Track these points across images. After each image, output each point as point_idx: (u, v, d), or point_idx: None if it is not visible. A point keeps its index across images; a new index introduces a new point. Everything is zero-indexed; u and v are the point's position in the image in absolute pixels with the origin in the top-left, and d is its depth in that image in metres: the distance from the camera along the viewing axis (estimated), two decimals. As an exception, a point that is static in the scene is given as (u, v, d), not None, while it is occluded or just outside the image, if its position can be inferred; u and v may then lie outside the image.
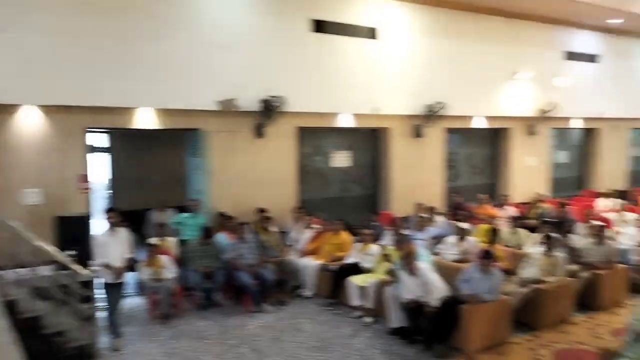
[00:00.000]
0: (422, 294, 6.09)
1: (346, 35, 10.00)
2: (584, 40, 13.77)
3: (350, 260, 7.77)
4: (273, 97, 8.89)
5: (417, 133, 11.04)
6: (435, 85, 11.01)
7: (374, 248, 7.74)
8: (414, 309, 6.08)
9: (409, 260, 6.27)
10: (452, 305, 5.95)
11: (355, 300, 7.12)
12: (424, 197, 10.96)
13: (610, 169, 15.05)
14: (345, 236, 8.35)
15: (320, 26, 9.72)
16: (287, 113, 9.17)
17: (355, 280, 7.18)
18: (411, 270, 6.20)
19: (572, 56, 13.52)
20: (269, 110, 8.96)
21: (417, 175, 11.23)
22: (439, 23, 11.13)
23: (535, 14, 12.21)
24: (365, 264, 7.53)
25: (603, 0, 11.39)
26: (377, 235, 8.98)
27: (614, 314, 7.09)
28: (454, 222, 9.46)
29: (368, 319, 6.90)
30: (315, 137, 10.61)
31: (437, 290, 5.97)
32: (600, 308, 7.21)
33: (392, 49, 10.57)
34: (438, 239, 8.68)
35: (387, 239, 8.43)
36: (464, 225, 8.37)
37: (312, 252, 8.35)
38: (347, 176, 11.07)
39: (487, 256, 6.16)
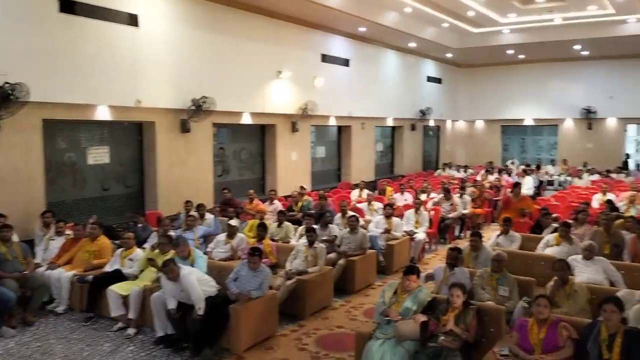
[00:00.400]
0: (185, 299, 5.83)
1: (103, 20, 9.06)
2: (338, 45, 15.05)
3: (110, 268, 7.09)
4: (9, 84, 7.56)
5: (184, 128, 10.67)
6: (202, 80, 10.78)
7: (138, 252, 7.19)
8: (179, 315, 5.80)
9: (168, 264, 5.85)
10: (220, 306, 5.83)
11: (116, 312, 6.50)
12: (193, 194, 10.68)
13: (360, 163, 16.80)
14: (104, 241, 7.57)
15: (71, 7, 8.61)
16: (30, 103, 7.90)
17: (116, 289, 6.55)
18: (171, 275, 5.80)
19: (328, 59, 14.64)
20: (4, 99, 7.59)
21: (184, 172, 10.87)
22: (206, 16, 10.92)
23: (295, 16, 12.86)
24: (129, 270, 6.94)
25: (350, 8, 12.50)
26: (143, 237, 8.43)
27: (366, 296, 7.85)
28: (224, 219, 9.42)
29: (131, 331, 6.36)
30: (68, 131, 9.46)
31: (197, 297, 5.72)
32: (354, 291, 7.90)
33: (155, 38, 9.98)
34: (208, 238, 8.52)
35: (153, 241, 7.94)
36: (234, 222, 8.33)
37: (65, 262, 7.38)
38: (108, 174, 10.15)
39: (254, 253, 6.18)
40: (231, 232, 8.08)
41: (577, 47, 17.99)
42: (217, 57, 11.19)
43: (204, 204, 9.59)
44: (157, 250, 6.88)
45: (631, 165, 18.85)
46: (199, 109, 10.49)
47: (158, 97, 10.09)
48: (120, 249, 7.29)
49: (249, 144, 13.28)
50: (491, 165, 19.03)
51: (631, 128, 21.07)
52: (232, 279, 6.15)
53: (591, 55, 19.46)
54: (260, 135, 13.52)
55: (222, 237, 8.13)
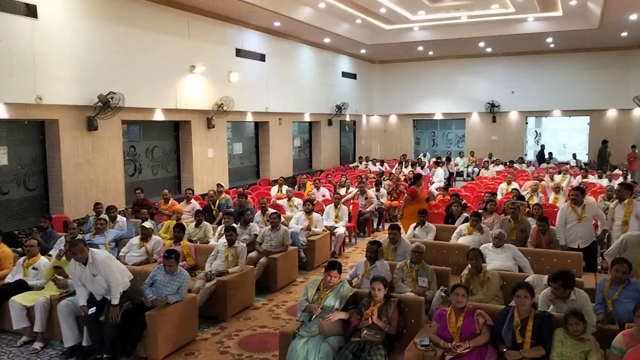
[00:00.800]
0: (98, 290, 5.56)
1: (-4, 9, 8.31)
2: (254, 40, 14.82)
3: (12, 278, 6.53)
4: None
5: (91, 125, 10.05)
6: (109, 74, 10.20)
7: (43, 261, 6.67)
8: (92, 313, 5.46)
9: (76, 243, 5.55)
10: (135, 314, 5.54)
11: (19, 324, 6.00)
12: (102, 196, 10.14)
13: (278, 159, 16.71)
14: (3, 250, 6.98)
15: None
16: None
17: (19, 300, 6.05)
18: (80, 256, 5.45)
19: (243, 54, 14.39)
20: None
21: (92, 172, 10.25)
22: (113, 8, 10.32)
23: (207, 9, 12.49)
24: (34, 282, 6.43)
25: (264, 2, 12.32)
26: (49, 244, 7.85)
27: (289, 293, 7.79)
28: (137, 220, 9.00)
29: (38, 345, 5.91)
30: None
31: (114, 282, 5.50)
32: (277, 289, 7.83)
33: (57, 31, 9.28)
34: (120, 241, 8.09)
35: (60, 248, 7.42)
36: (147, 224, 7.97)
37: (-42, 275, 6.72)
38: (6, 176, 9.34)
39: (170, 256, 5.92)
40: (145, 235, 7.74)
41: (482, 44, 18.95)
42: (125, 51, 10.63)
43: (114, 206, 9.09)
44: (64, 258, 6.41)
45: (547, 155, 20.07)
46: (106, 105, 9.92)
47: (61, 93, 9.41)
48: (23, 258, 6.74)
49: (162, 142, 12.77)
50: (405, 158, 19.64)
51: (531, 120, 22.53)
52: (147, 284, 5.85)
53: (494, 52, 20.58)
54: (174, 132, 13.05)
55: (135, 240, 7.77)
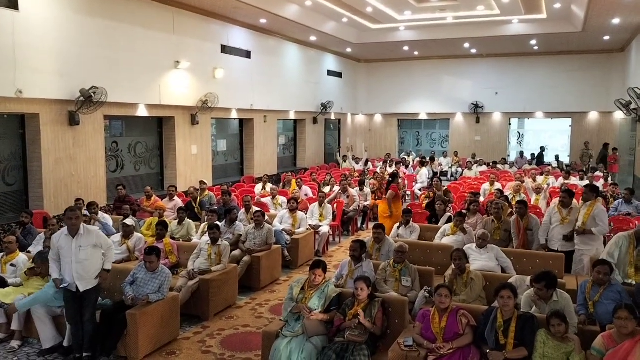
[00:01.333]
0: (84, 269, 5.36)
1: (-27, 0, 8.13)
2: (239, 36, 14.72)
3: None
4: None
5: (73, 120, 9.89)
6: (92, 69, 10.05)
7: (22, 257, 6.55)
8: (77, 318, 5.35)
9: (74, 209, 5.46)
10: (115, 313, 5.46)
11: (-4, 323, 5.90)
12: (84, 192, 10.00)
13: (263, 156, 16.64)
14: (-20, 246, 6.84)
15: None
16: None
17: (-3, 298, 5.93)
18: (75, 222, 5.34)
19: (229, 50, 14.28)
20: None
21: (73, 168, 10.09)
22: (94, 1, 10.14)
23: (192, 5, 12.36)
24: (12, 280, 6.30)
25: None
26: (28, 240, 7.71)
27: (272, 292, 7.75)
28: (119, 217, 8.88)
29: (16, 343, 5.80)
30: None
31: (107, 246, 5.55)
32: (260, 288, 7.78)
33: (39, 23, 9.10)
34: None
35: (39, 244, 7.30)
36: (129, 221, 7.86)
37: None
38: (-17, 171, 9.17)
39: (151, 252, 5.83)
40: (127, 232, 7.64)
41: (467, 45, 19.06)
42: (108, 45, 10.47)
43: (95, 202, 8.96)
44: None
45: (550, 158, 20.17)
46: (88, 100, 9.76)
47: (42, 87, 9.24)
48: (1, 254, 6.60)
49: (145, 137, 12.62)
50: (389, 157, 19.68)
51: (514, 121, 22.74)
52: (127, 282, 5.76)
53: (479, 53, 20.72)
54: (158, 128, 12.90)
55: (116, 237, 7.65)
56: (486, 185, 12.55)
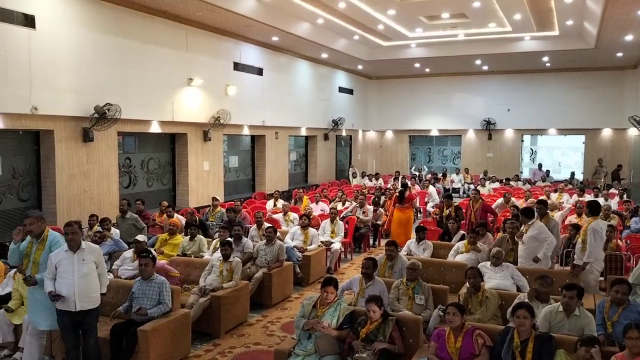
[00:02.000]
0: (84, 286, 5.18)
1: (-7, 19, 8.27)
2: (251, 54, 14.84)
3: (2, 290, 6.43)
4: None
5: (86, 137, 9.98)
6: (106, 86, 10.16)
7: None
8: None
9: (71, 224, 5.22)
10: (126, 329, 5.43)
11: (4, 339, 5.91)
12: (97, 208, 10.03)
13: (274, 173, 16.66)
14: (-6, 261, 6.86)
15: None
16: None
17: (9, 316, 5.93)
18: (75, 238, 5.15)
19: (241, 67, 14.40)
20: None
21: (87, 184, 10.16)
22: (110, 20, 10.29)
23: (205, 23, 12.50)
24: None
25: (262, 17, 12.35)
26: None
27: (284, 309, 7.69)
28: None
29: (18, 355, 5.78)
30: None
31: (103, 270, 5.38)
32: (271, 305, 7.72)
33: (55, 41, 9.24)
34: (114, 255, 7.98)
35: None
36: (140, 237, 7.84)
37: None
38: (-1, 187, 9.24)
39: (146, 255, 5.74)
40: (138, 249, 7.55)
41: (478, 62, 19.06)
42: (122, 63, 10.60)
43: (108, 218, 8.98)
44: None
45: (564, 175, 20.15)
46: (102, 116, 9.86)
47: (57, 103, 9.35)
48: (14, 270, 6.60)
49: (157, 154, 12.69)
50: (399, 174, 19.63)
51: (526, 138, 22.61)
52: (130, 297, 5.74)
53: (490, 69, 20.70)
54: (170, 144, 12.98)
55: (129, 253, 7.62)
56: (500, 200, 12.42)
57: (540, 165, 20.50)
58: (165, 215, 10.05)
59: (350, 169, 21.13)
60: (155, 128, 11.77)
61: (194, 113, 12.65)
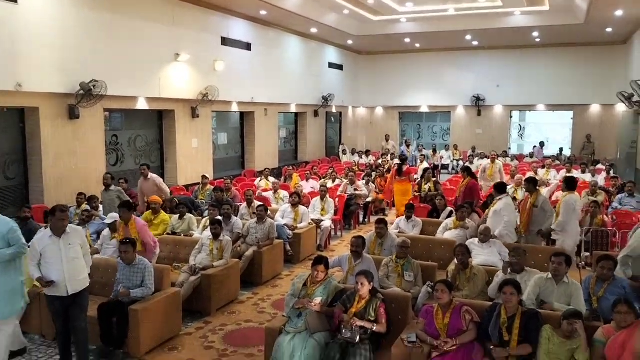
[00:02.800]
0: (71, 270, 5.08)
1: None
2: (239, 28, 14.62)
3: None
4: None
5: (72, 114, 9.84)
6: (91, 62, 9.98)
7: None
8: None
9: (64, 209, 5.11)
10: (117, 308, 5.43)
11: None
12: (84, 186, 9.94)
13: (264, 150, 16.58)
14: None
15: None
16: None
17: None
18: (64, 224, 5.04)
19: (229, 42, 14.19)
20: None
21: (73, 161, 10.05)
22: (93, -7, 10.08)
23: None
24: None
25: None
26: (28, 236, 7.65)
27: (275, 287, 7.73)
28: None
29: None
30: None
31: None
32: (262, 283, 7.76)
33: (38, 16, 9.02)
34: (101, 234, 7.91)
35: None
36: (116, 215, 7.55)
37: None
38: (-17, 165, 9.12)
39: (125, 242, 5.66)
40: (113, 227, 7.26)
41: (468, 37, 18.94)
42: (108, 38, 10.40)
43: (96, 196, 8.94)
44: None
45: (552, 152, 20.08)
46: (88, 93, 9.71)
47: (42, 80, 9.19)
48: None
49: (145, 131, 12.56)
50: (388, 137, 19.83)
51: (515, 114, 22.64)
52: (116, 283, 5.73)
53: (480, 45, 20.59)
54: (158, 121, 12.85)
55: (107, 231, 7.35)
56: (487, 164, 12.66)
57: (542, 144, 20.35)
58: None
59: (341, 146, 21.12)
60: (142, 105, 11.63)
61: (182, 89, 12.50)
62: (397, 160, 15.91)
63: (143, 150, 12.50)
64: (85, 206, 8.61)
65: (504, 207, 7.25)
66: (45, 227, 7.10)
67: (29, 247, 5.03)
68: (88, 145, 10.34)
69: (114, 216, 7.28)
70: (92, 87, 9.67)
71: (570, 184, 7.40)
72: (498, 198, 7.41)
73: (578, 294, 4.87)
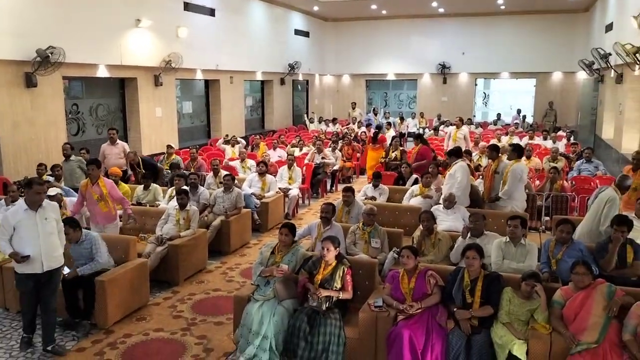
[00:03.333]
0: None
1: None
2: (202, -7, 14.22)
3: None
4: None
5: (29, 82, 9.47)
6: (48, 28, 9.58)
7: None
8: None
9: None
10: (79, 280, 5.37)
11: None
12: (44, 156, 9.67)
13: (230, 118, 16.37)
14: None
15: None
16: None
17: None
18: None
19: (192, 8, 13.79)
20: None
21: (32, 131, 9.72)
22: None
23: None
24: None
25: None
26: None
27: (243, 255, 7.76)
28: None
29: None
30: None
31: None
32: (230, 252, 7.77)
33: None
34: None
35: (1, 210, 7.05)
36: (53, 190, 7.38)
37: None
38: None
39: (64, 223, 5.33)
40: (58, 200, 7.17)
41: (434, 4, 18.90)
42: (65, 3, 9.96)
43: (59, 165, 8.71)
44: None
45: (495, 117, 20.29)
46: (45, 60, 9.34)
47: (-6, 46, 8.79)
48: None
49: (106, 99, 12.21)
50: (355, 104, 20.20)
51: (480, 82, 22.89)
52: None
53: (446, 12, 20.60)
54: (120, 89, 12.49)
55: (70, 202, 7.26)
56: (451, 130, 12.83)
57: (519, 111, 20.43)
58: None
59: (308, 115, 20.96)
60: (102, 72, 11.26)
61: (144, 56, 12.14)
62: (363, 128, 16.05)
63: (105, 119, 12.17)
64: (46, 177, 8.37)
65: (457, 168, 7.43)
66: (5, 199, 6.97)
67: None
68: (47, 115, 10.00)
69: (55, 190, 7.12)
70: (49, 54, 9.30)
71: (517, 152, 7.59)
72: (454, 162, 7.60)
73: (532, 254, 5.18)
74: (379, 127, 13.03)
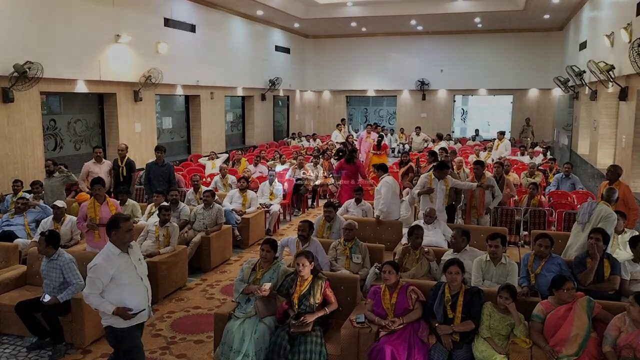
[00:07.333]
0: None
1: None
2: (183, 9, 14.23)
3: None
4: None
5: (6, 97, 9.32)
6: (26, 43, 9.47)
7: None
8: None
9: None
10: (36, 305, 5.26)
11: None
12: (20, 173, 9.51)
13: (210, 134, 16.31)
14: None
15: None
16: None
17: None
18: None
19: (172, 24, 13.79)
20: None
21: (8, 147, 9.55)
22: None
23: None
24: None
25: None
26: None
27: (223, 272, 7.68)
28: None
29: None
30: None
31: None
32: (210, 268, 7.69)
33: (-39, -9, 8.47)
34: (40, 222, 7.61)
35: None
36: (59, 202, 7.28)
37: None
38: None
39: (41, 235, 5.37)
40: (58, 215, 7.10)
41: (413, 22, 19.20)
42: (44, 18, 9.88)
43: (40, 181, 8.56)
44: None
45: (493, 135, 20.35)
46: (23, 75, 9.22)
47: (-31, 61, 8.66)
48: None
49: (85, 115, 12.08)
50: (343, 121, 20.12)
51: (458, 98, 23.23)
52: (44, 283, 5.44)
53: (425, 30, 20.93)
54: (99, 105, 12.38)
55: (48, 221, 7.11)
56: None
57: (502, 133, 20.45)
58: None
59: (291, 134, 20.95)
60: (81, 88, 11.16)
61: (123, 72, 12.07)
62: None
63: (83, 134, 12.04)
64: (22, 194, 8.21)
65: (382, 184, 7.73)
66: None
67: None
68: (24, 130, 9.85)
69: (61, 202, 7.09)
70: (27, 69, 9.18)
71: (382, 168, 8.15)
72: (381, 177, 7.89)
73: (512, 274, 5.13)
74: (381, 136, 14.21)
